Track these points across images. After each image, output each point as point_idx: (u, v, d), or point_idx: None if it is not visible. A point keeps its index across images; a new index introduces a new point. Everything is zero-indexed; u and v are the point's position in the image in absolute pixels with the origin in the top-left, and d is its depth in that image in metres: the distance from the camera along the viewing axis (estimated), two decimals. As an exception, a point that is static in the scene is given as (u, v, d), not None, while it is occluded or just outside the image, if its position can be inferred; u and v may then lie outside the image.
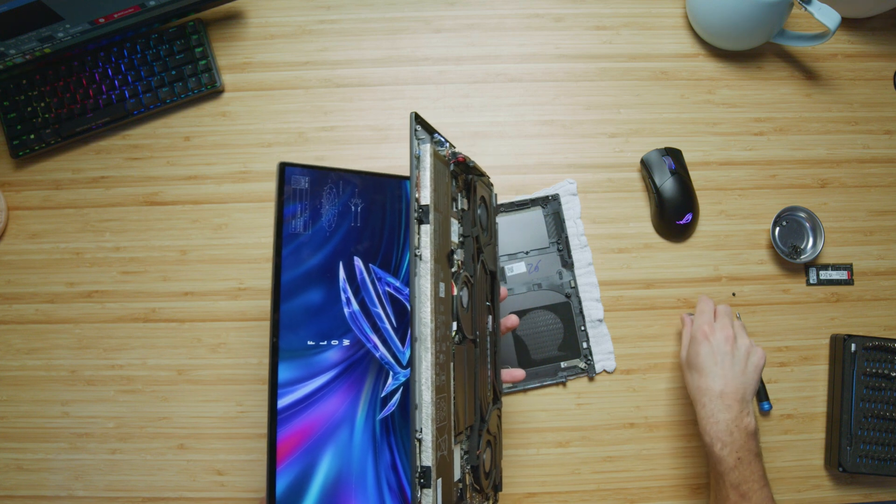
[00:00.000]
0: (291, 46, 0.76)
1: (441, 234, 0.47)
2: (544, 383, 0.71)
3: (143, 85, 0.73)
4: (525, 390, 0.71)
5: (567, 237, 0.73)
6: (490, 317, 0.59)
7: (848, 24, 0.78)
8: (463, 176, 0.55)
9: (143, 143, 0.75)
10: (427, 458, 0.42)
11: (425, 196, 0.45)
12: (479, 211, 0.57)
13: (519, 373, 0.62)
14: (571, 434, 0.70)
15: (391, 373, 0.60)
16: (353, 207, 0.61)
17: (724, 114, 0.76)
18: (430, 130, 0.49)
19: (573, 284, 0.72)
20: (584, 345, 0.71)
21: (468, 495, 0.50)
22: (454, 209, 0.52)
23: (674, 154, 0.73)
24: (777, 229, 0.74)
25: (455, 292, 0.49)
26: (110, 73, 0.73)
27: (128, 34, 0.73)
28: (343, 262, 0.59)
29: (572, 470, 0.70)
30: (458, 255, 0.52)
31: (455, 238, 0.52)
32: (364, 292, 0.60)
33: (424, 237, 0.45)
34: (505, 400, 0.71)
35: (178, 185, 0.74)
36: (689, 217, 0.72)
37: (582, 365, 0.71)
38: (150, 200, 0.74)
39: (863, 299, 0.74)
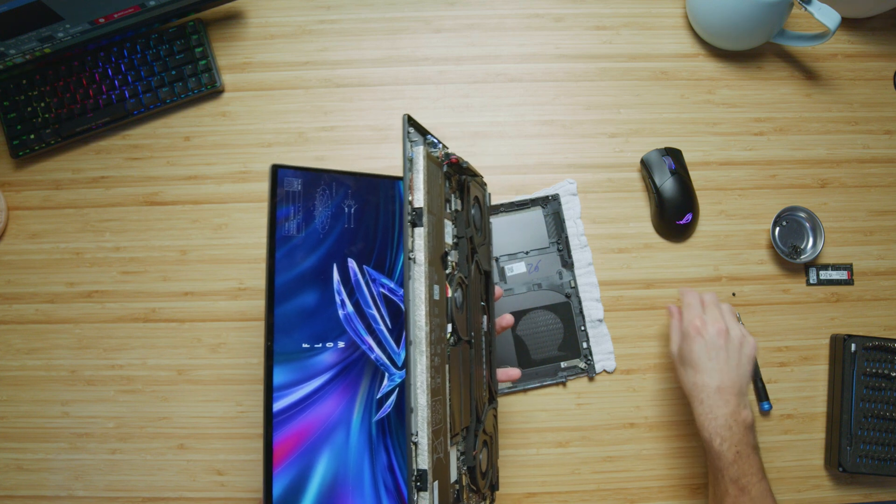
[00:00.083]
0: (291, 46, 0.76)
1: (435, 237, 0.47)
2: (544, 383, 0.71)
3: (143, 85, 0.73)
4: (525, 390, 0.71)
5: (567, 237, 0.73)
6: (485, 317, 0.59)
7: (848, 24, 0.78)
8: (456, 177, 0.55)
9: (143, 143, 0.75)
10: (423, 461, 0.42)
11: (419, 199, 0.45)
12: (472, 211, 0.57)
13: (515, 372, 0.62)
14: (571, 434, 0.70)
15: (386, 374, 0.60)
16: (346, 209, 0.60)
17: (724, 114, 0.76)
18: (422, 132, 0.49)
19: (573, 284, 0.72)
20: (584, 345, 0.71)
21: (465, 496, 0.50)
22: (448, 210, 0.52)
23: (674, 154, 0.73)
24: (777, 229, 0.74)
25: (450, 294, 0.49)
26: (110, 73, 0.73)
27: (128, 34, 0.73)
28: (337, 264, 0.59)
29: (572, 470, 0.70)
30: (453, 257, 0.52)
31: (449, 239, 0.51)
32: (358, 294, 0.60)
33: (418, 240, 0.45)
34: (505, 400, 0.71)
35: (178, 185, 0.74)
36: (689, 217, 0.72)
37: (582, 365, 0.71)
38: (150, 200, 0.74)
39: (863, 299, 0.74)
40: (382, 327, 0.61)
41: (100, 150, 0.75)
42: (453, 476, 0.48)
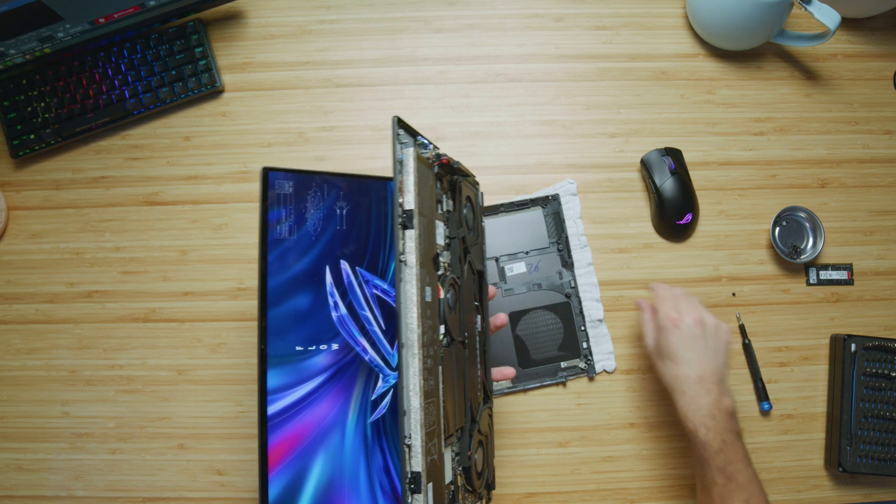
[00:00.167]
0: (291, 46, 0.76)
1: (426, 238, 0.47)
2: (544, 383, 0.71)
3: (143, 85, 0.73)
4: (525, 390, 0.71)
5: (567, 237, 0.73)
6: (479, 316, 0.59)
7: (848, 24, 0.78)
8: (448, 177, 0.55)
9: (143, 143, 0.75)
10: (417, 463, 0.42)
11: (409, 201, 0.45)
12: (465, 211, 0.57)
13: (509, 370, 0.62)
14: (571, 434, 0.70)
15: (381, 375, 0.60)
16: (338, 210, 0.60)
17: (724, 114, 0.76)
18: (412, 133, 0.49)
19: (573, 284, 0.72)
20: (584, 345, 0.71)
21: (460, 496, 0.50)
22: (439, 211, 0.52)
23: (674, 154, 0.73)
24: (777, 229, 0.74)
25: (442, 295, 0.49)
26: (110, 73, 0.73)
27: (128, 34, 0.73)
28: (329, 266, 0.59)
29: (572, 470, 0.70)
30: (445, 258, 0.52)
31: (441, 240, 0.51)
32: (351, 296, 0.60)
33: (409, 242, 0.44)
34: (505, 400, 0.71)
35: (178, 185, 0.74)
36: (689, 217, 0.72)
37: (582, 365, 0.71)
38: (150, 200, 0.74)
39: (863, 299, 0.74)
40: (376, 329, 0.61)
41: (100, 150, 0.75)
42: (448, 477, 0.48)
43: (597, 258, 0.73)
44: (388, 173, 0.62)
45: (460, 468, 0.51)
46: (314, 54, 0.76)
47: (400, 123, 0.46)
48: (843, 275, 0.74)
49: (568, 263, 0.72)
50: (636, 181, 0.75)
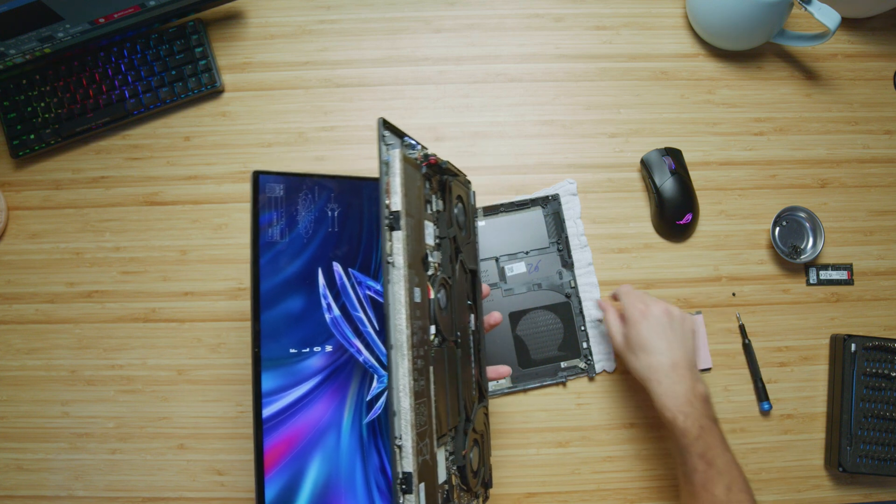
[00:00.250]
0: (291, 46, 0.76)
1: (414, 239, 0.47)
2: (544, 383, 0.71)
3: (143, 85, 0.73)
4: (525, 390, 0.71)
5: (567, 237, 0.73)
6: (472, 315, 0.59)
7: (848, 24, 0.78)
8: (437, 177, 0.55)
9: (143, 143, 0.75)
10: (408, 463, 0.42)
11: (396, 202, 0.45)
12: (455, 210, 0.57)
13: (504, 369, 0.62)
14: (571, 434, 0.70)
15: (375, 376, 0.60)
16: (329, 212, 0.60)
17: (724, 114, 0.76)
18: (399, 134, 0.49)
19: (573, 284, 0.72)
20: (584, 345, 0.71)
21: (455, 496, 0.50)
22: (429, 211, 0.52)
23: (674, 154, 0.73)
24: (777, 229, 0.74)
25: (432, 295, 0.49)
26: (110, 73, 0.73)
27: (128, 34, 0.73)
28: (322, 268, 0.60)
29: (572, 470, 0.70)
30: (434, 258, 0.52)
31: (430, 241, 0.51)
32: (344, 297, 0.60)
33: (397, 244, 0.44)
34: (505, 400, 0.71)
35: (178, 185, 0.74)
36: (689, 217, 0.72)
37: (582, 365, 0.71)
38: (150, 200, 0.74)
39: (863, 299, 0.74)
40: (370, 330, 0.61)
41: (100, 150, 0.75)
42: (442, 477, 0.48)
43: (597, 258, 0.73)
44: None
45: (455, 467, 0.51)
46: (314, 54, 0.76)
47: (385, 125, 0.46)
48: (843, 275, 0.74)
49: (568, 263, 0.72)
50: (636, 181, 0.75)
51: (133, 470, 0.69)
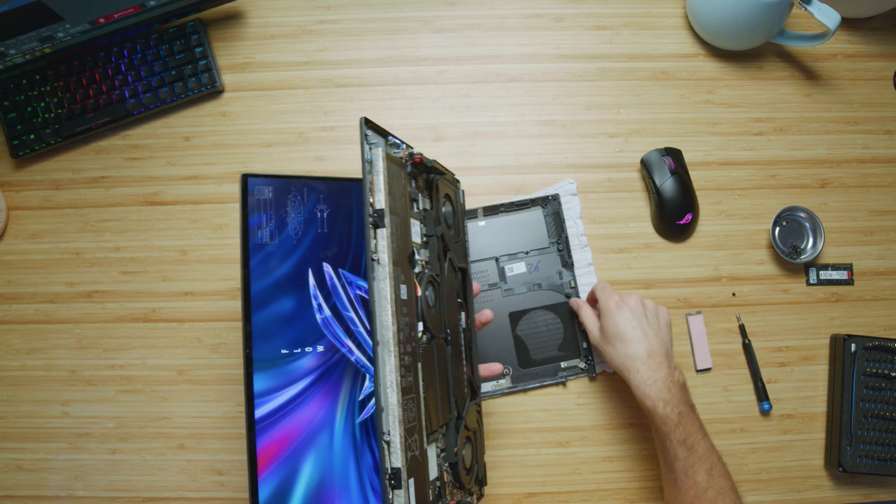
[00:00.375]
0: (291, 46, 0.76)
1: (400, 237, 0.47)
2: (544, 383, 0.71)
3: (143, 85, 0.73)
4: (525, 390, 0.71)
5: (567, 237, 0.73)
6: (463, 313, 0.59)
7: (848, 24, 0.78)
8: (423, 176, 0.55)
9: (143, 143, 0.75)
10: (396, 459, 0.42)
11: (379, 200, 0.45)
12: (444, 209, 0.57)
13: (496, 366, 0.63)
14: (571, 434, 0.70)
15: (367, 376, 0.60)
16: (319, 214, 0.61)
17: (724, 114, 0.76)
18: (382, 133, 0.49)
19: (573, 284, 0.72)
20: (584, 345, 0.71)
21: (447, 492, 0.50)
22: (415, 210, 0.52)
23: (674, 154, 0.73)
24: (777, 229, 0.74)
25: (419, 293, 0.49)
26: (110, 73, 0.73)
27: (128, 34, 0.73)
28: (312, 269, 0.60)
29: (572, 470, 0.70)
30: (422, 256, 0.52)
31: (417, 239, 0.51)
32: (335, 297, 0.61)
33: (381, 241, 0.45)
34: (505, 400, 0.71)
35: (178, 185, 0.74)
36: (689, 217, 0.72)
37: (582, 365, 0.71)
38: (150, 200, 0.74)
39: (863, 299, 0.74)
40: (361, 329, 0.61)
41: (100, 150, 0.75)
42: (433, 473, 0.48)
43: (597, 258, 0.73)
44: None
45: (447, 464, 0.51)
46: (314, 54, 0.76)
47: (368, 124, 0.47)
48: (843, 275, 0.74)
49: (568, 263, 0.72)
50: (636, 181, 0.75)
51: (133, 470, 0.69)
